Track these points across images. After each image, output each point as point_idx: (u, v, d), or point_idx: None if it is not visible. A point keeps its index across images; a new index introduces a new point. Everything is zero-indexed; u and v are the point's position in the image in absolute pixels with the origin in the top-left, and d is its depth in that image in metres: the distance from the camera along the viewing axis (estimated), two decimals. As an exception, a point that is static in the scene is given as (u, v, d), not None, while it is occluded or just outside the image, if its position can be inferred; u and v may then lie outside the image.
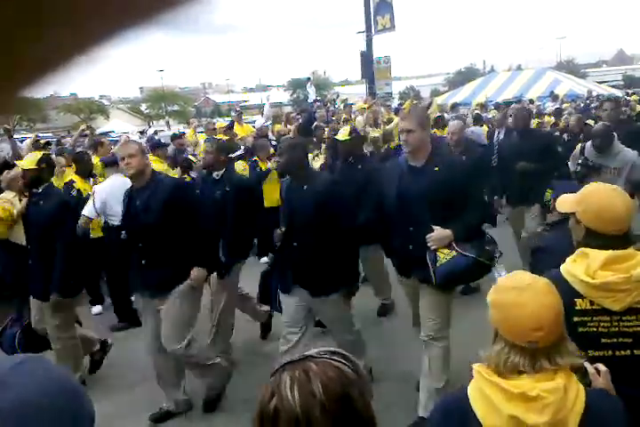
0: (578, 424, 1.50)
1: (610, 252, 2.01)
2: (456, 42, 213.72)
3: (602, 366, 1.74)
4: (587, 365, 1.73)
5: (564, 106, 15.54)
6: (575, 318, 2.02)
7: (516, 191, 5.98)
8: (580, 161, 5.52)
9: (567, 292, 2.02)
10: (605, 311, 2.01)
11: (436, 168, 3.39)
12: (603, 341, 2.02)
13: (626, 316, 2.01)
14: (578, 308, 2.03)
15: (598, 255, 2.01)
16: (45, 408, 0.89)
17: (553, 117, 12.19)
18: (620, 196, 2.13)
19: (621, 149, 5.35)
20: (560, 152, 6.54)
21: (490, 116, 13.18)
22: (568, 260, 2.14)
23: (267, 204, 8.00)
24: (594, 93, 22.48)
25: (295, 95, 44.94)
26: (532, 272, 2.47)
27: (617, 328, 2.01)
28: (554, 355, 1.55)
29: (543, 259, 2.79)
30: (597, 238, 2.10)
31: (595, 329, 2.02)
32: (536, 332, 1.53)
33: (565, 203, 2.28)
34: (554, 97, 17.90)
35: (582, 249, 2.08)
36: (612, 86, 32.57)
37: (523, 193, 5.84)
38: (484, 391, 1.57)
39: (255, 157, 8.22)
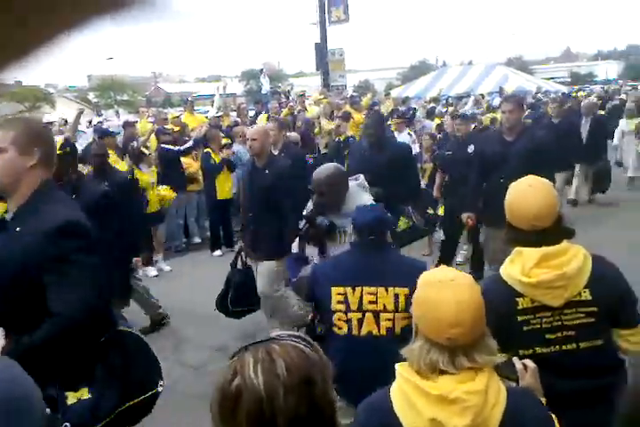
0: (498, 426, 1.47)
1: (542, 249, 2.02)
2: (409, 36, 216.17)
3: (530, 363, 1.73)
4: (515, 361, 1.73)
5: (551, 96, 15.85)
6: (519, 318, 2.04)
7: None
8: None
9: (508, 292, 2.06)
10: (546, 307, 2.04)
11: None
12: (547, 336, 2.05)
13: (565, 309, 2.04)
14: (520, 307, 2.05)
15: (532, 254, 2.03)
16: None
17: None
18: (535, 191, 2.11)
19: None
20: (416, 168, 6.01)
21: (443, 109, 13.38)
22: (507, 260, 2.15)
23: (220, 196, 7.92)
24: (542, 89, 23.08)
25: (249, 86, 44.51)
26: None
27: (559, 322, 2.05)
28: (472, 353, 1.52)
29: (309, 273, 3.02)
30: (517, 233, 2.13)
31: (538, 326, 2.05)
32: (454, 328, 1.50)
33: None
34: (501, 92, 18.25)
35: (517, 248, 2.09)
36: (559, 83, 33.57)
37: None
38: (404, 392, 1.54)
39: (207, 149, 8.10)
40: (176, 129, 8.93)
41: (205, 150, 8.17)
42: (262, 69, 16.49)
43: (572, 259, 2.04)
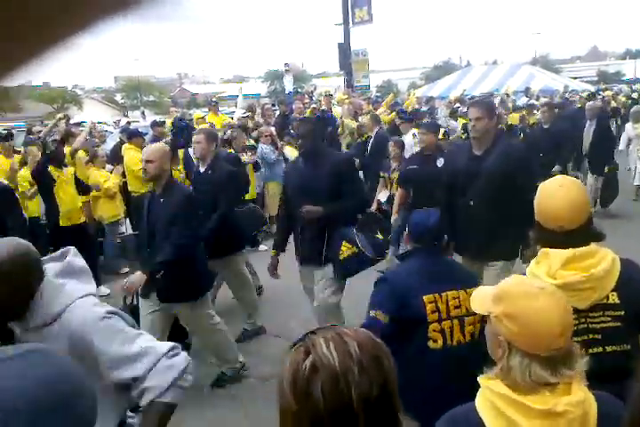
0: None
1: (570, 251, 1.99)
2: (433, 36, 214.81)
3: None
4: None
5: (541, 100, 15.69)
6: None
7: (305, 247, 4.23)
8: None
9: None
10: (572, 310, 2.02)
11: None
12: (573, 339, 2.03)
13: (592, 313, 2.01)
14: None
15: (558, 255, 2.00)
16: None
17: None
18: (566, 192, 2.08)
19: None
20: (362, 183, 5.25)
21: (465, 109, 13.27)
22: (532, 261, 2.12)
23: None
24: (569, 89, 22.78)
25: (272, 87, 44.63)
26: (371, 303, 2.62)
27: (585, 325, 2.01)
28: (569, 360, 1.48)
29: (383, 289, 2.65)
30: (545, 233, 2.11)
31: None
32: (561, 338, 1.46)
33: None
34: (527, 92, 18.08)
35: (544, 249, 2.06)
36: (586, 82, 33.04)
37: (312, 249, 4.18)
38: (498, 409, 1.46)
39: (230, 150, 8.19)
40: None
41: (229, 151, 8.24)
42: (286, 69, 16.58)
43: (601, 261, 2.00)
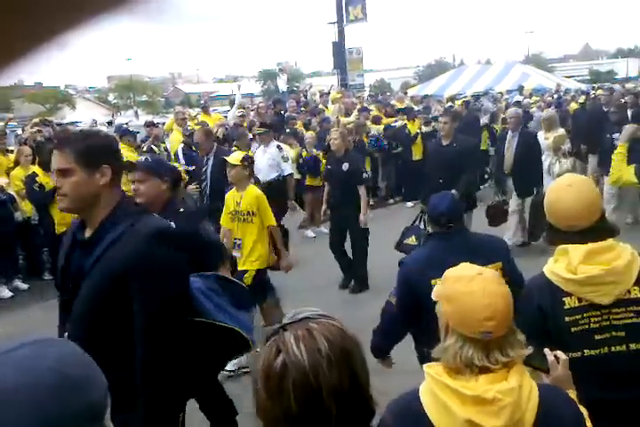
0: (532, 424, 1.46)
1: (589, 245, 1.97)
2: (426, 35, 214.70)
3: (561, 354, 1.71)
4: (546, 352, 1.71)
5: (533, 99, 15.75)
6: (566, 319, 1.97)
7: None
8: None
9: (553, 292, 1.99)
10: (594, 306, 1.96)
11: None
12: (596, 338, 1.97)
13: (614, 308, 1.97)
14: (567, 307, 1.98)
15: (578, 250, 1.97)
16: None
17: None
18: (575, 191, 2.07)
19: None
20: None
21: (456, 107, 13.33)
22: (550, 260, 2.08)
23: None
24: (562, 88, 22.84)
25: (266, 86, 44.62)
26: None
27: (608, 322, 1.97)
28: (506, 347, 1.50)
29: (399, 274, 2.87)
30: (558, 234, 2.08)
31: (587, 326, 1.97)
32: (489, 321, 1.48)
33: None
34: (520, 90, 18.14)
35: (561, 246, 2.03)
36: (579, 81, 33.16)
37: None
38: (436, 394, 1.51)
39: (235, 147, 8.18)
40: (197, 128, 9.02)
41: (233, 149, 8.23)
42: (280, 68, 16.56)
43: (621, 255, 1.97)
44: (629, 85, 21.85)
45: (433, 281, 2.56)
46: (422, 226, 5.39)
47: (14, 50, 0.33)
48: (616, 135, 7.14)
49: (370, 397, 1.18)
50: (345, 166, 6.14)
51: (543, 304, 1.98)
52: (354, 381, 1.13)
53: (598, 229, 2.04)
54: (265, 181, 7.11)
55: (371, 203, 8.24)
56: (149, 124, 9.19)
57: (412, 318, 2.80)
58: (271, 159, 7.70)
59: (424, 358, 1.88)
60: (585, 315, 1.96)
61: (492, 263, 2.73)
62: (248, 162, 4.78)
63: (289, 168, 7.90)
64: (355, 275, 6.29)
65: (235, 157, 4.77)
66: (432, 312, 2.51)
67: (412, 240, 5.25)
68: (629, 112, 9.16)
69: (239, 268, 4.72)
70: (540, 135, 7.66)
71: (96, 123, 9.75)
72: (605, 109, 9.41)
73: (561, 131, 7.83)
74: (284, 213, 7.48)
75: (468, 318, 1.51)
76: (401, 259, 3.03)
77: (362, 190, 6.16)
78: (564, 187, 2.10)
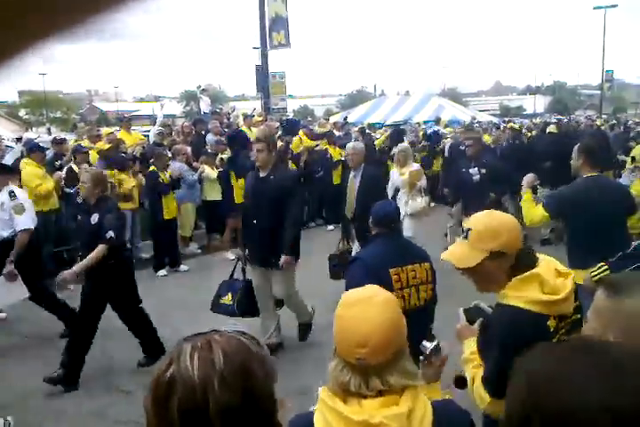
0: None
1: (547, 261, 2.01)
2: (349, 65, 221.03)
3: (445, 351, 1.77)
4: (425, 344, 1.79)
5: (448, 130, 16.39)
6: (553, 341, 1.92)
7: None
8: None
9: (536, 321, 1.92)
10: (562, 318, 1.98)
11: None
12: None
13: (569, 318, 2.01)
14: (552, 329, 1.94)
15: (546, 270, 1.96)
16: None
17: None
18: (493, 216, 2.09)
19: None
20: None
21: (378, 136, 13.75)
22: (511, 291, 1.97)
23: (167, 216, 8.01)
24: (475, 121, 23.96)
25: (188, 107, 44.16)
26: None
27: (569, 326, 2.00)
28: (386, 375, 1.47)
29: (358, 267, 3.18)
30: (524, 258, 2.01)
31: (564, 338, 1.96)
32: (362, 348, 1.47)
33: (474, 250, 2.02)
34: (437, 121, 18.86)
35: (525, 275, 1.94)
36: (491, 115, 35.01)
37: None
38: (325, 418, 1.49)
39: (153, 167, 7.94)
40: (107, 147, 8.62)
41: (151, 169, 7.96)
42: (202, 89, 16.36)
43: (559, 267, 2.05)
44: (536, 120, 23.22)
45: (392, 270, 3.10)
46: (241, 277, 5.16)
47: None
48: (473, 170, 6.84)
49: (272, 413, 1.09)
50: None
51: (533, 339, 1.94)
52: (249, 398, 1.04)
53: (529, 253, 2.07)
54: None
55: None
56: (58, 142, 8.69)
57: None
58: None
59: None
60: (559, 329, 1.97)
61: (425, 262, 3.24)
62: None
63: (24, 221, 5.51)
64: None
65: None
66: None
67: (227, 299, 5.05)
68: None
69: None
70: (395, 171, 7.23)
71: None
72: (462, 147, 8.50)
73: (416, 166, 7.34)
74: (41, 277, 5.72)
75: (343, 342, 1.52)
76: (354, 255, 3.55)
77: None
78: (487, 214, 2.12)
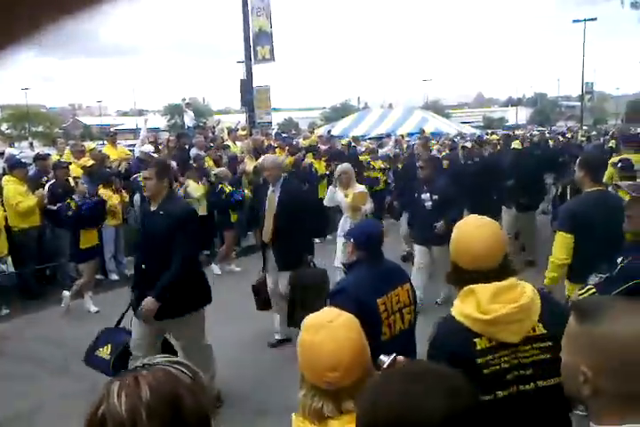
0: None
1: (495, 284, 1.97)
2: (333, 78, 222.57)
3: (400, 357, 1.76)
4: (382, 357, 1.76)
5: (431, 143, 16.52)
6: (478, 360, 1.92)
7: None
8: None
9: (463, 334, 1.94)
10: (504, 346, 1.94)
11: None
12: (507, 377, 1.93)
13: (522, 346, 1.95)
14: (478, 348, 1.93)
15: (485, 289, 1.96)
16: None
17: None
18: (482, 233, 2.08)
19: None
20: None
21: (363, 149, 13.75)
22: (456, 301, 2.04)
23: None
24: (460, 133, 24.22)
25: (173, 121, 44.08)
26: None
27: (517, 360, 1.95)
28: (358, 395, 1.44)
29: (342, 299, 2.76)
30: (463, 274, 2.07)
31: (498, 367, 1.93)
32: (332, 372, 1.48)
33: None
34: (421, 134, 18.99)
35: (467, 287, 2.00)
36: (474, 127, 35.39)
37: None
38: None
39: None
40: (90, 163, 8.47)
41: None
42: (187, 102, 16.33)
43: (524, 292, 1.99)
44: (519, 132, 23.47)
45: (379, 300, 2.87)
46: (128, 327, 4.25)
47: None
48: (425, 196, 6.30)
49: None
50: None
51: (456, 350, 1.92)
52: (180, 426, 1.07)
53: (501, 269, 2.05)
54: None
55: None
56: (41, 157, 8.53)
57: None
58: None
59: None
60: (496, 355, 1.93)
61: (405, 283, 3.01)
62: None
63: None
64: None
65: None
66: (377, 327, 2.77)
67: (105, 352, 4.18)
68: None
69: None
70: (338, 192, 6.31)
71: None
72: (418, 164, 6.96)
73: (360, 188, 6.40)
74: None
75: (313, 368, 1.51)
76: (336, 286, 3.12)
77: None
78: (473, 229, 2.10)
